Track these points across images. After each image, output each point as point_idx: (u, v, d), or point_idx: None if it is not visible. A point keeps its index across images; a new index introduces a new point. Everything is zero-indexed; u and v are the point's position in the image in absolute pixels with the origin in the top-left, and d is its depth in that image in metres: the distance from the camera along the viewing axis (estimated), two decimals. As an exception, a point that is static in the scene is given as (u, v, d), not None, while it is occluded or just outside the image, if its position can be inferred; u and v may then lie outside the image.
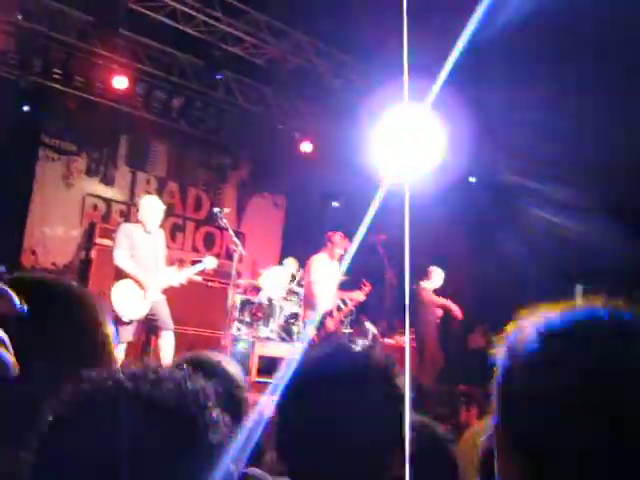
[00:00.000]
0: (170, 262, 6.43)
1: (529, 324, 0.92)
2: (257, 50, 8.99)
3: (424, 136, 5.93)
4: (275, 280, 9.38)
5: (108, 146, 10.42)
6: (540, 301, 0.95)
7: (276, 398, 1.39)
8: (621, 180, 8.41)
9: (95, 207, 10.22)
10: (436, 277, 8.54)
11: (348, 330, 9.44)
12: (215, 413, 0.90)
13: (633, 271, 7.30)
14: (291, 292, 9.51)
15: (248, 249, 10.17)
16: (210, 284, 8.07)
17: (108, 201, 10.37)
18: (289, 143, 10.79)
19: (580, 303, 0.92)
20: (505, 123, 8.84)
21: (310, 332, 7.10)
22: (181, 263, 6.38)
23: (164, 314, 6.07)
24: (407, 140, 4.54)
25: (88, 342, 1.20)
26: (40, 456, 0.86)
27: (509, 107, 8.12)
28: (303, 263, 8.56)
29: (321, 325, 7.10)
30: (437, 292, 8.57)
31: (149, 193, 9.68)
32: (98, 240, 7.78)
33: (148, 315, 5.98)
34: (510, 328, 0.94)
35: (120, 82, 8.94)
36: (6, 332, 0.95)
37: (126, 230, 6.14)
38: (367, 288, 7.45)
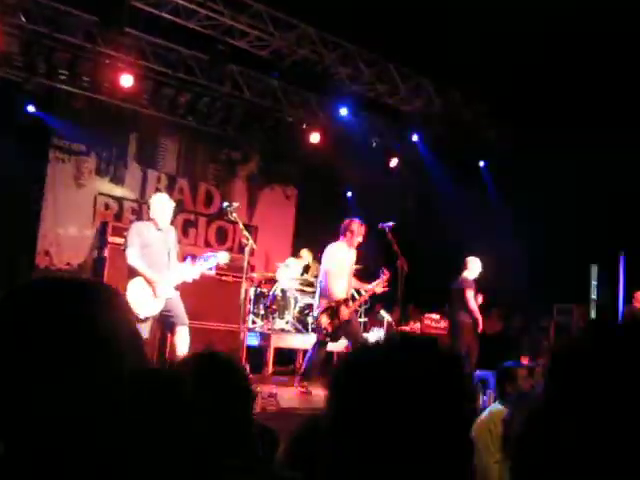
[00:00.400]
0: (182, 258, 6.45)
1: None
2: (261, 42, 8.97)
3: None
4: (290, 272, 9.40)
5: (117, 145, 10.47)
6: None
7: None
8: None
9: (107, 206, 10.28)
10: (474, 266, 8.45)
11: (363, 319, 9.46)
12: None
13: None
14: (305, 283, 9.53)
15: (261, 242, 10.19)
16: (224, 278, 8.09)
17: (119, 200, 10.42)
18: (298, 134, 10.77)
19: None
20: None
21: (324, 321, 7.09)
22: (194, 259, 6.38)
23: (179, 310, 6.09)
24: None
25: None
26: None
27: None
28: (317, 254, 8.55)
29: (336, 314, 7.08)
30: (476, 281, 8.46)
31: (159, 190, 9.72)
32: (111, 239, 7.81)
33: (163, 311, 6.00)
34: None
35: (127, 80, 8.95)
36: None
37: (138, 228, 6.16)
38: (386, 276, 7.38)
